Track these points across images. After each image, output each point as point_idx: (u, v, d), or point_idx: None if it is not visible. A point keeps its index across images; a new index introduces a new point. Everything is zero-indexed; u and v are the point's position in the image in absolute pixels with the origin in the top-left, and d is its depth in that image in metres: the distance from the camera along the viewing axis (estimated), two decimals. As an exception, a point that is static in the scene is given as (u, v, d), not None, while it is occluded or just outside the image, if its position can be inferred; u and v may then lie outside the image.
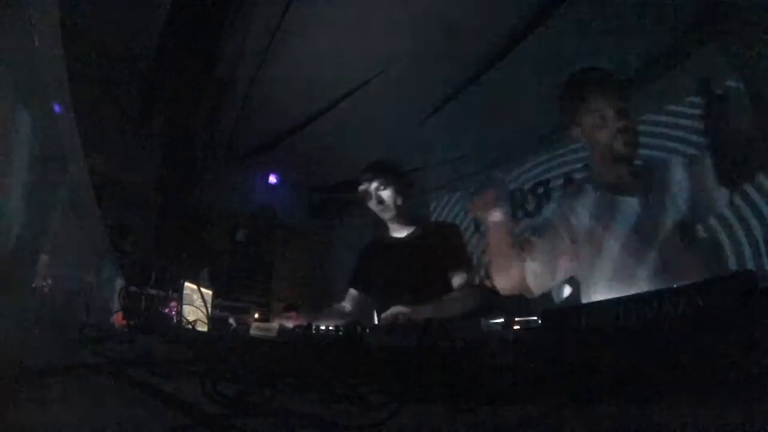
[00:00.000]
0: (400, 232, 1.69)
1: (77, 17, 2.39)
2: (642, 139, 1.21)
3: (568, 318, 0.56)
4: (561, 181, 3.85)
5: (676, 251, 1.09)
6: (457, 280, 1.52)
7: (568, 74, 1.26)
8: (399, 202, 1.63)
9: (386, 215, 1.65)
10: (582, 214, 1.23)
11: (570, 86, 1.24)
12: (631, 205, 1.16)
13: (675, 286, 0.49)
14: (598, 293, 1.15)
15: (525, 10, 2.71)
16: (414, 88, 3.34)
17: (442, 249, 1.56)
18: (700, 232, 1.13)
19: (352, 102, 3.49)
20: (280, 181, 5.01)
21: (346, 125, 3.78)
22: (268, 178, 4.95)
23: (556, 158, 3.92)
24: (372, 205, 1.65)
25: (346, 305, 1.71)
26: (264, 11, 2.66)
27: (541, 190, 4.03)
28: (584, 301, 1.18)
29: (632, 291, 0.63)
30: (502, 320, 1.22)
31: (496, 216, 1.20)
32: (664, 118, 3.00)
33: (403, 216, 1.67)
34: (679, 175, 1.16)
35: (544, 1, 2.65)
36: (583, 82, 1.22)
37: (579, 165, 3.70)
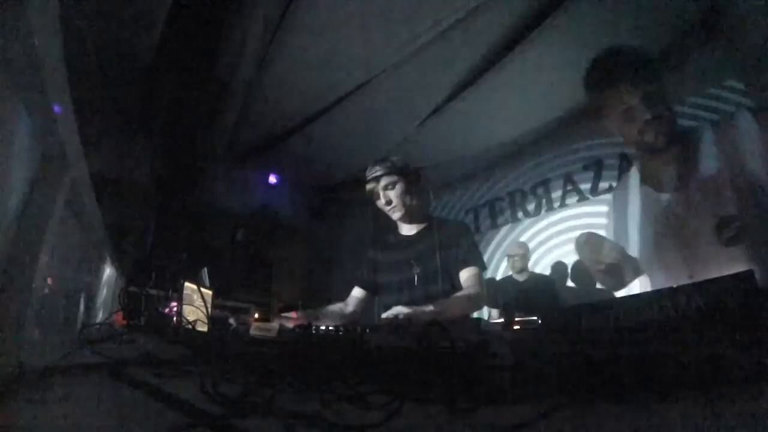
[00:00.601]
0: (409, 230, 1.66)
1: (77, 17, 2.39)
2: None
3: (568, 318, 0.56)
4: (561, 181, 3.85)
5: (713, 251, 1.00)
6: (465, 277, 1.49)
7: (593, 56, 1.11)
8: (407, 200, 1.59)
9: (395, 214, 1.62)
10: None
11: (595, 71, 1.11)
12: (668, 201, 1.10)
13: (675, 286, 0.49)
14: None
15: (525, 10, 2.71)
16: (414, 88, 3.34)
17: (451, 246, 1.54)
18: (739, 230, 0.98)
19: (353, 102, 3.49)
20: (280, 181, 5.01)
21: (347, 125, 3.78)
22: (268, 178, 4.96)
23: (556, 158, 3.92)
24: (380, 204, 1.60)
25: (348, 305, 1.69)
26: (264, 11, 2.67)
27: (541, 190, 4.03)
28: None
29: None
30: (502, 320, 1.22)
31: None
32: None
33: (413, 214, 1.62)
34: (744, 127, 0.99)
35: (544, 1, 2.66)
36: (609, 66, 1.08)
37: (579, 165, 3.71)
